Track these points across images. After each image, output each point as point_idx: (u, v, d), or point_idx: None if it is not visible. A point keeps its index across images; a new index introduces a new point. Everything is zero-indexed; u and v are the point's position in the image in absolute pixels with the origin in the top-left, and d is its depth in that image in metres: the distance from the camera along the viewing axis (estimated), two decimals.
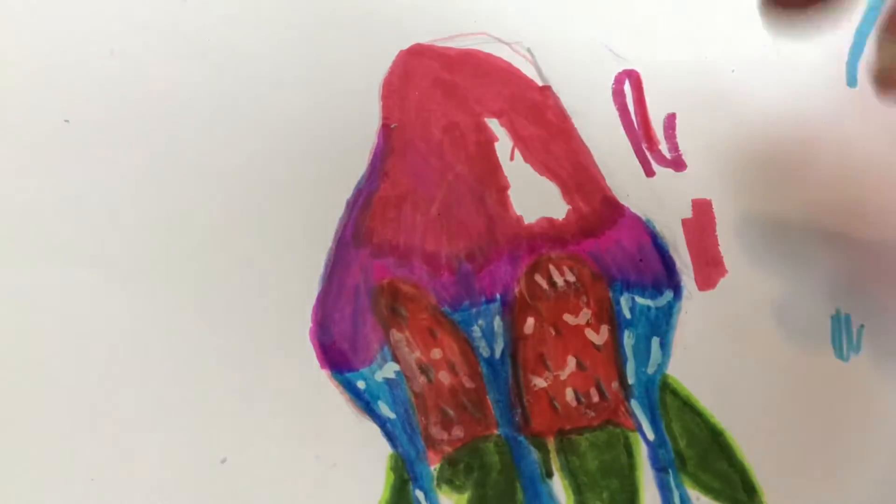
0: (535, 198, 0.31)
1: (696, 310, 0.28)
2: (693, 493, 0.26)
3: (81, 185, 0.29)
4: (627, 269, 0.29)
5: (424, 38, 0.34)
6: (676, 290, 0.29)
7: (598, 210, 0.31)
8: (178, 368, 0.28)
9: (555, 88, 0.30)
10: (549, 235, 0.30)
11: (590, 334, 0.28)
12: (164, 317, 0.29)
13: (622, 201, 0.31)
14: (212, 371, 0.28)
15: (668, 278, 0.29)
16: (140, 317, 0.29)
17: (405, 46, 0.33)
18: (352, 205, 0.31)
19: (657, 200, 0.29)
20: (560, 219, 0.31)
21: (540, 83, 0.30)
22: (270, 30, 0.34)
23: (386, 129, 0.33)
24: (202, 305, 0.29)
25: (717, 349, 0.27)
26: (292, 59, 0.34)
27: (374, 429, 0.27)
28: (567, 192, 0.31)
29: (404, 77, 0.33)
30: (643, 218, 0.30)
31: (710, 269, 0.29)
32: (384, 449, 0.27)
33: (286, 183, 0.32)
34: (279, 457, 0.27)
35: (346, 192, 0.32)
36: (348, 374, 0.28)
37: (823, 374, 0.28)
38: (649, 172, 0.30)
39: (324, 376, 0.28)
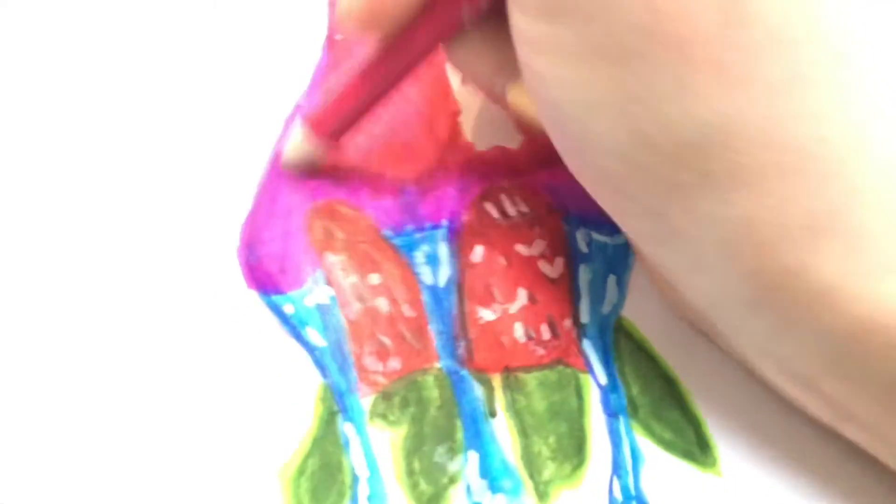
0: (487, 125, 0.29)
1: None
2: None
3: None
4: (584, 203, 0.27)
5: None
6: None
7: None
8: (103, 280, 0.25)
9: None
10: (502, 164, 0.28)
11: (543, 266, 0.26)
12: (92, 229, 0.26)
13: None
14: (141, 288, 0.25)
15: None
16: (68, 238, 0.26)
17: None
18: (289, 122, 0.29)
19: None
20: (514, 148, 0.28)
21: None
22: None
23: (331, 42, 0.30)
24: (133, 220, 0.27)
25: None
26: None
27: (305, 357, 0.25)
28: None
29: None
30: None
31: None
32: (316, 378, 0.24)
33: (227, 96, 0.29)
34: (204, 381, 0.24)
35: (288, 108, 0.29)
36: (275, 297, 0.25)
37: None
38: None
39: (252, 298, 0.25)
